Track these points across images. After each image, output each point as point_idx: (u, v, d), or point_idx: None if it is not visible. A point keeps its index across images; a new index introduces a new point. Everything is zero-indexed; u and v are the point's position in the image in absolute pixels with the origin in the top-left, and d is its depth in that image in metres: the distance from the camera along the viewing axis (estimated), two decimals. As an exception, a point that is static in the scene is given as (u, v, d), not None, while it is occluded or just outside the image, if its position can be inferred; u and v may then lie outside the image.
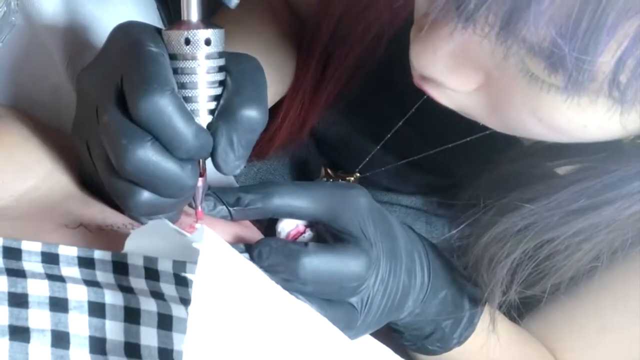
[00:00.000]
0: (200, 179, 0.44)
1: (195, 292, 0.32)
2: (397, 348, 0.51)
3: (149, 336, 0.37)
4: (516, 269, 0.50)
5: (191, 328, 0.32)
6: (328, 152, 0.74)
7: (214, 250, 0.34)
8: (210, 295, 0.33)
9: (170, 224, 0.36)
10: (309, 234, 0.49)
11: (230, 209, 0.47)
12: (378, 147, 0.66)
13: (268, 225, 0.52)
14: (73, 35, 0.52)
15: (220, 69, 0.43)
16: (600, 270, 0.52)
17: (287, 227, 0.49)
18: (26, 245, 0.38)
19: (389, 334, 0.56)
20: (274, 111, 0.69)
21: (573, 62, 0.33)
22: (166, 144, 0.40)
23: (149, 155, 0.39)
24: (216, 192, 0.47)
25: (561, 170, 0.53)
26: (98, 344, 0.36)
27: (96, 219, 0.43)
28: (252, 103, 0.42)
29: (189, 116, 0.40)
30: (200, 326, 0.32)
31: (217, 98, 0.43)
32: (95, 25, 0.52)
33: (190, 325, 0.32)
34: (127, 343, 0.36)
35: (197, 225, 0.43)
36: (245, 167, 0.75)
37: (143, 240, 0.39)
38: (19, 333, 0.34)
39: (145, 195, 0.41)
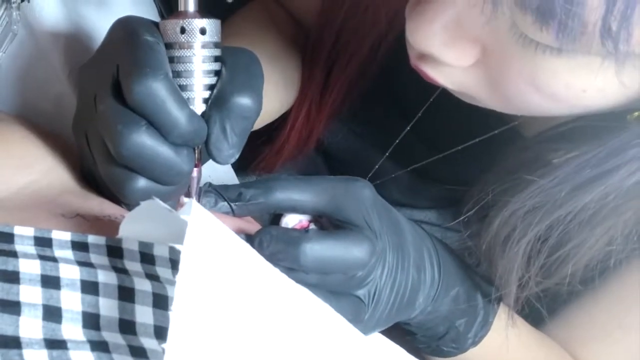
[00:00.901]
0: (195, 169, 0.43)
1: (182, 262, 0.32)
2: (412, 352, 0.50)
3: (144, 314, 0.36)
4: (530, 255, 0.49)
5: (178, 299, 0.31)
6: (337, 166, 0.74)
7: (201, 222, 0.34)
8: (198, 264, 0.32)
9: (161, 202, 0.36)
10: (313, 228, 0.48)
11: (232, 204, 0.46)
12: (387, 154, 0.66)
13: (271, 222, 0.51)
14: (75, 44, 0.53)
15: (216, 59, 0.43)
16: (615, 261, 0.50)
17: (291, 222, 0.48)
18: (19, 230, 0.37)
19: (403, 338, 0.55)
20: (280, 123, 0.69)
21: (561, 5, 0.33)
22: (160, 128, 0.40)
23: (144, 139, 0.39)
24: (217, 189, 0.47)
25: None
26: (91, 319, 0.35)
27: (94, 210, 0.43)
28: (245, 91, 0.42)
29: (183, 101, 0.40)
30: (187, 298, 0.32)
31: (212, 87, 0.43)
32: (97, 33, 0.53)
33: (178, 295, 0.31)
34: (122, 320, 0.35)
35: (185, 200, 0.43)
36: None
37: (137, 225, 0.38)
38: (10, 306, 0.33)
39: (142, 182, 0.41)
